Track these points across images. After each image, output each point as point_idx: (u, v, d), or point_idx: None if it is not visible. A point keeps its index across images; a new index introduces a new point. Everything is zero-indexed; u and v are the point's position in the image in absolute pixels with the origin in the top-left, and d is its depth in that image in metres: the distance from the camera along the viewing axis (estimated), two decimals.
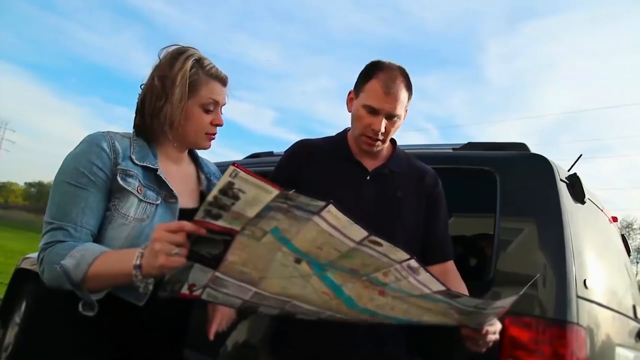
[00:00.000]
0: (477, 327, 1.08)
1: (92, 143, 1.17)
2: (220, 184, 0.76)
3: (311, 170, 1.44)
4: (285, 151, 1.54)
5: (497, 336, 1.14)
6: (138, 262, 0.93)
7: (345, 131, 1.55)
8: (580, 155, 2.10)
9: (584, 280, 1.54)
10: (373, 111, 1.37)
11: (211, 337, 1.29)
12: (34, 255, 3.80)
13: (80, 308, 1.03)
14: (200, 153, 1.45)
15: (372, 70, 1.39)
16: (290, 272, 0.92)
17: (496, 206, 1.67)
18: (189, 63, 1.24)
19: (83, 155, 1.16)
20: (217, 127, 1.31)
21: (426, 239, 1.44)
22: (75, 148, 1.19)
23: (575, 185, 1.73)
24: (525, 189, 1.67)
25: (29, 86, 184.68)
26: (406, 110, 1.44)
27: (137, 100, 1.28)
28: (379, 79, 1.36)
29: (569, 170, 1.85)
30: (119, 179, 1.16)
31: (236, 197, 0.78)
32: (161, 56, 1.28)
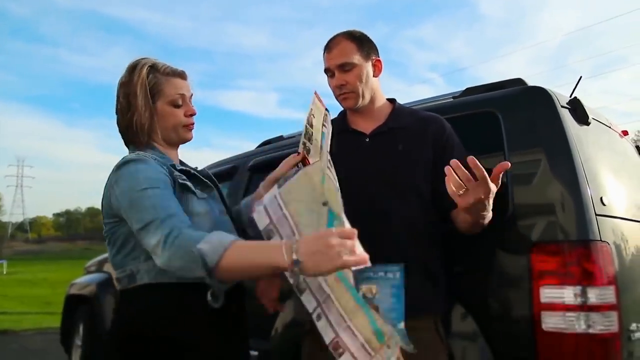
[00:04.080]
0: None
1: (141, 160, 1.23)
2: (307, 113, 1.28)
3: None
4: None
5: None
6: (295, 257, 0.96)
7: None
8: (580, 77, 2.10)
9: (601, 198, 1.58)
10: (329, 73, 1.54)
11: (271, 310, 1.47)
12: (79, 280, 3.97)
13: (208, 297, 1.10)
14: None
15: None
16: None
17: (503, 144, 1.70)
18: (144, 71, 1.33)
19: (146, 167, 1.22)
20: (193, 117, 1.39)
21: (442, 185, 1.47)
22: (128, 167, 1.22)
23: (577, 109, 1.76)
24: (528, 123, 1.70)
25: (35, 120, 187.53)
26: (377, 60, 1.55)
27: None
28: (324, 47, 1.55)
29: (570, 96, 1.87)
30: (182, 182, 1.26)
31: (310, 124, 1.27)
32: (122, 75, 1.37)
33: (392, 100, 1.64)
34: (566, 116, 1.68)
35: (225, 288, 1.14)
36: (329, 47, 1.52)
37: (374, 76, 1.55)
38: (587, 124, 1.78)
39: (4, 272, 21.23)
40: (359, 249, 0.99)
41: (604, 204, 1.58)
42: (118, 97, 1.35)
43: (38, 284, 14.53)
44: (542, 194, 1.60)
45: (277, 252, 0.98)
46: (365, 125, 1.56)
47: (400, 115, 1.58)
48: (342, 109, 1.63)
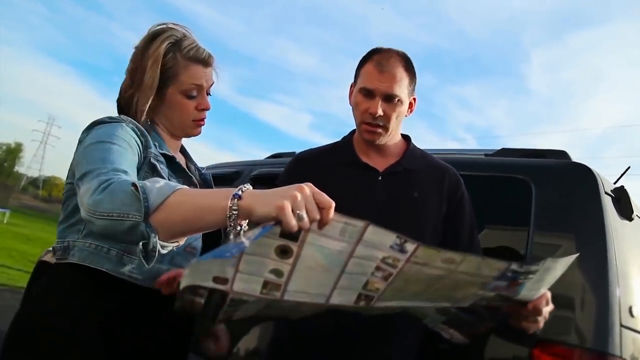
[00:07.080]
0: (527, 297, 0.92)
1: (119, 123, 1.08)
2: None
3: (314, 183, 1.30)
4: (283, 170, 1.45)
5: (550, 306, 1.02)
6: (239, 193, 0.75)
7: (351, 134, 1.45)
8: (629, 167, 1.90)
9: (630, 307, 1.35)
10: (368, 93, 1.29)
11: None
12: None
13: (138, 252, 0.82)
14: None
15: (368, 55, 1.34)
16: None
17: (530, 219, 1.50)
18: (164, 47, 1.15)
19: (116, 127, 1.05)
20: (205, 112, 1.23)
21: (450, 239, 1.31)
22: (100, 127, 1.06)
23: (621, 200, 1.55)
24: (563, 201, 1.50)
25: (74, 84, 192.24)
26: (414, 98, 1.35)
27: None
28: (373, 60, 1.31)
29: (615, 183, 1.66)
30: (153, 161, 1.08)
31: None
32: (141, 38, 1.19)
33: (406, 137, 1.44)
34: (608, 204, 1.47)
35: (162, 246, 0.84)
36: (381, 66, 1.27)
37: (405, 115, 1.36)
38: (630, 219, 1.56)
39: (4, 222, 21.26)
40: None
41: (632, 315, 1.35)
42: (129, 62, 1.19)
43: (32, 241, 14.47)
44: (562, 285, 1.37)
45: (225, 194, 0.76)
46: (378, 161, 1.36)
47: (414, 157, 1.39)
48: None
